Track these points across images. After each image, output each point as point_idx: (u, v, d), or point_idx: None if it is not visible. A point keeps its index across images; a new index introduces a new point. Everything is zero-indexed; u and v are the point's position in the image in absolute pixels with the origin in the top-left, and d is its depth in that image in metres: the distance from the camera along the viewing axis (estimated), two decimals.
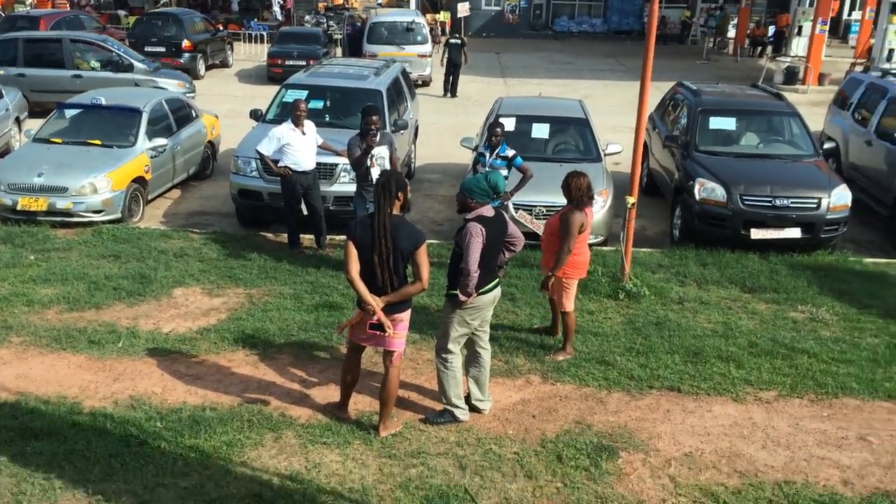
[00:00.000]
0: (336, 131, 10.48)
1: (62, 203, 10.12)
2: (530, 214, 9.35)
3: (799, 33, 27.48)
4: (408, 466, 5.52)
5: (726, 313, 8.24)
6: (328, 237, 9.84)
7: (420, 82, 22.40)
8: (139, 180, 10.93)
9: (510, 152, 8.92)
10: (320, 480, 5.34)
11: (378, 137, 8.64)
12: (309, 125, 9.50)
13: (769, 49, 30.10)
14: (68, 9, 29.40)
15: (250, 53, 27.59)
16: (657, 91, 13.41)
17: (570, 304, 7.11)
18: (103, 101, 11.71)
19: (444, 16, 35.23)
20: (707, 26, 33.71)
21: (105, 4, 35.27)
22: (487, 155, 9.00)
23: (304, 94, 11.25)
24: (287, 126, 9.36)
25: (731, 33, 33.38)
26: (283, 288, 8.53)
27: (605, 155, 10.80)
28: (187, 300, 8.21)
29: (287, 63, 22.06)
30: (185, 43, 22.22)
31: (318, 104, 11.50)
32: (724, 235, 9.86)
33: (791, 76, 23.82)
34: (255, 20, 32.72)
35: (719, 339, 7.57)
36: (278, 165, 9.35)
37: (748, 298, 8.66)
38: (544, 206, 9.40)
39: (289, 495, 5.16)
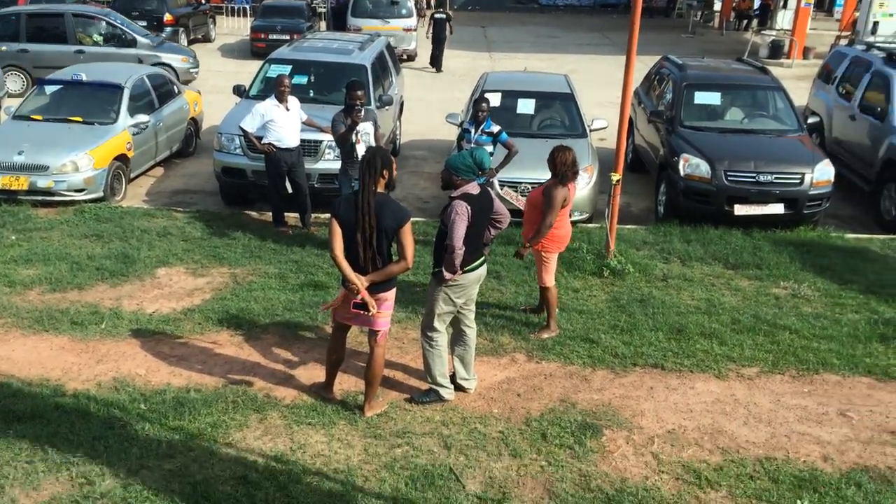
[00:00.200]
0: (320, 107, 10.40)
1: (43, 182, 10.01)
2: (516, 191, 9.34)
3: (784, 6, 27.46)
4: (393, 446, 5.54)
5: (710, 290, 8.29)
6: (313, 215, 9.78)
7: (405, 57, 22.25)
8: (121, 158, 10.82)
9: (495, 128, 8.87)
10: (305, 461, 5.36)
11: (363, 113, 8.57)
12: (293, 101, 9.41)
13: (754, 22, 30.03)
14: None
15: (233, 27, 27.26)
16: (642, 65, 13.36)
17: (549, 279, 7.12)
18: (84, 77, 11.56)
19: None
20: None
21: None
22: (473, 131, 8.95)
23: (287, 69, 11.15)
24: (271, 102, 9.26)
25: (718, 6, 33.26)
26: (268, 267, 8.49)
27: (590, 130, 10.77)
28: (171, 280, 8.17)
29: (270, 37, 21.86)
30: (167, 17, 21.94)
31: (302, 79, 11.40)
32: (709, 211, 9.89)
33: (776, 50, 23.81)
34: None
35: (702, 315, 7.62)
36: (262, 142, 9.27)
37: (731, 275, 8.70)
38: (530, 183, 9.37)
39: (274, 476, 5.17)
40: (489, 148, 8.68)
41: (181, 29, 22.53)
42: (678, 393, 6.36)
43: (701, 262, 9.00)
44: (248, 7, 28.73)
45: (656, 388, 6.41)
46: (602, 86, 18.12)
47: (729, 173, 9.78)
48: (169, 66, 17.56)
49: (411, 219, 5.59)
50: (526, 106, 10.83)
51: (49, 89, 11.68)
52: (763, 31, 27.38)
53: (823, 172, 9.92)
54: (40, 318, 7.22)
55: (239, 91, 11.42)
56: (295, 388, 6.26)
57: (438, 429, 5.77)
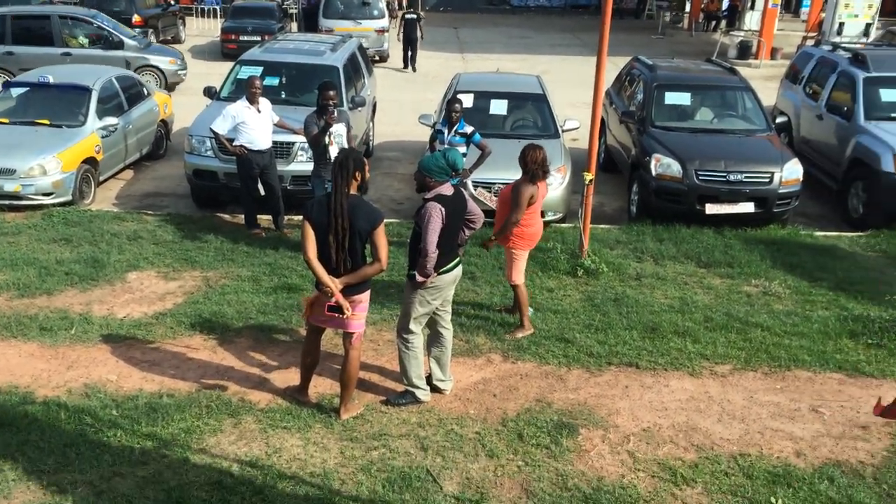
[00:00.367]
0: (292, 108, 10.35)
1: (10, 185, 9.84)
2: (489, 192, 9.34)
3: (752, 7, 27.73)
4: (369, 449, 5.52)
5: (682, 288, 8.36)
6: (286, 217, 9.72)
7: (377, 58, 22.18)
8: (90, 161, 10.67)
9: (469, 129, 8.87)
10: (281, 465, 5.32)
11: (336, 114, 8.54)
12: (264, 103, 9.34)
13: (723, 23, 30.33)
14: None
15: (203, 29, 27.00)
16: (613, 66, 13.45)
17: (517, 277, 7.14)
18: (51, 80, 11.39)
19: None
20: (663, 1, 33.87)
21: None
22: (446, 132, 8.95)
23: (258, 70, 11.08)
24: (242, 104, 9.19)
25: (687, 8, 33.58)
26: (241, 270, 8.42)
27: (563, 131, 10.81)
28: (142, 284, 8.07)
29: (241, 38, 21.70)
30: (136, 18, 21.61)
31: (274, 81, 11.35)
32: (680, 211, 9.98)
33: (744, 50, 24.07)
34: None
35: (676, 314, 7.68)
36: (233, 144, 9.19)
37: (703, 273, 8.78)
38: (503, 184, 9.30)
39: (249, 481, 5.13)
40: (462, 149, 8.68)
41: (150, 30, 22.24)
42: (653, 391, 6.40)
43: (674, 260, 9.07)
44: (218, 8, 28.47)
45: (631, 387, 6.44)
46: (574, 86, 18.18)
47: (700, 173, 9.87)
48: (157, 68, 17.43)
49: (385, 220, 5.57)
50: (499, 107, 10.86)
51: (15, 92, 11.49)
52: (731, 32, 27.68)
53: (792, 171, 10.05)
54: (8, 324, 7.09)
55: (209, 93, 11.32)
56: (269, 391, 6.21)
57: (415, 430, 5.75)
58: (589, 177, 8.57)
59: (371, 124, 13.49)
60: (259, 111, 9.20)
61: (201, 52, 23.54)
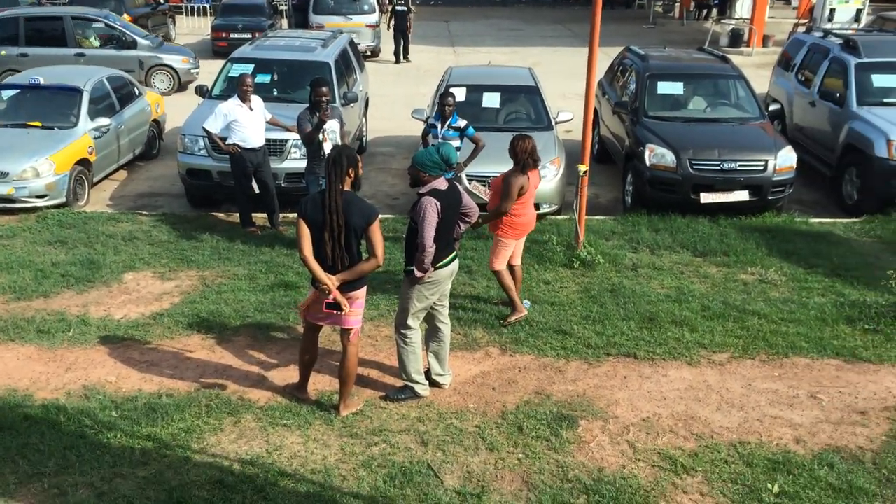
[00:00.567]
0: (284, 106, 10.32)
1: (3, 188, 9.82)
2: (484, 185, 9.32)
3: None
4: (370, 444, 5.53)
5: (679, 278, 8.37)
6: (281, 215, 9.71)
7: (369, 53, 22.14)
8: (83, 162, 10.64)
9: (462, 122, 8.86)
10: (282, 463, 5.32)
11: (329, 110, 8.52)
12: (256, 100, 9.32)
13: (714, 12, 30.32)
14: None
15: (193, 27, 26.91)
16: (605, 57, 13.43)
17: (498, 264, 7.15)
18: (42, 81, 11.35)
19: None
20: None
21: None
22: (439, 126, 8.93)
23: (250, 67, 11.04)
24: (234, 102, 9.17)
25: None
26: (237, 269, 8.41)
27: (556, 123, 10.81)
28: (139, 285, 8.06)
29: (232, 36, 21.63)
30: (125, 17, 21.52)
31: (265, 78, 11.30)
32: (675, 200, 9.98)
33: (736, 39, 24.06)
34: None
35: (673, 303, 7.69)
36: (226, 143, 9.17)
37: (700, 262, 8.80)
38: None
39: (250, 479, 5.13)
40: (456, 143, 8.68)
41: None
42: (651, 381, 6.41)
43: (669, 250, 9.08)
44: (207, 6, 28.35)
45: (630, 377, 6.46)
46: (566, 78, 18.17)
47: (694, 162, 9.88)
48: (170, 67, 17.40)
49: (380, 216, 5.56)
50: (491, 100, 10.84)
51: (6, 94, 11.44)
52: (723, 21, 27.68)
53: (786, 159, 10.06)
54: (5, 327, 7.08)
55: (201, 91, 11.28)
56: (269, 389, 6.21)
57: (415, 425, 5.76)
58: (583, 168, 8.57)
59: (364, 120, 13.47)
60: (251, 109, 9.18)
61: (192, 51, 23.41)
